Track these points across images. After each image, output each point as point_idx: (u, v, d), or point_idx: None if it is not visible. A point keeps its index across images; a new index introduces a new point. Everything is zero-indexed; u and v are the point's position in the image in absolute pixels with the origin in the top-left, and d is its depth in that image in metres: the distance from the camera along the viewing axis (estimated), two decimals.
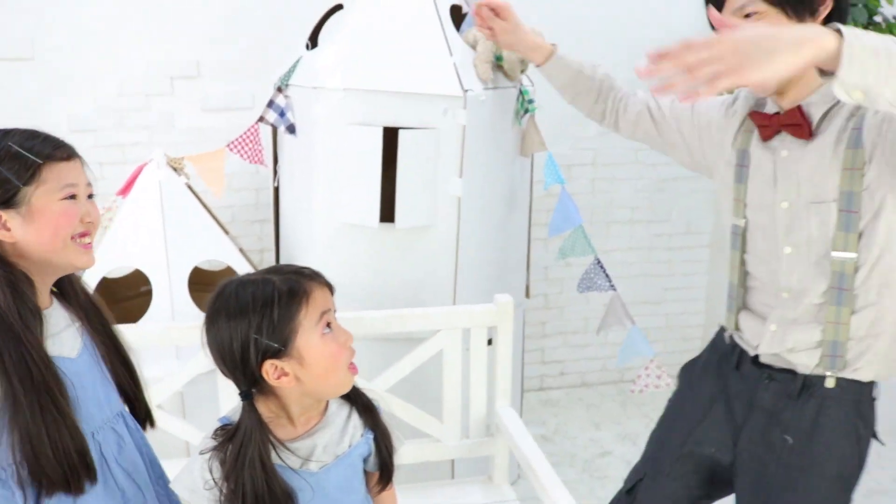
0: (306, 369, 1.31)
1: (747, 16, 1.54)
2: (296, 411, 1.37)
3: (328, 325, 1.35)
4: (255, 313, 1.30)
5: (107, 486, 1.43)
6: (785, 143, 1.59)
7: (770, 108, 1.64)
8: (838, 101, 1.52)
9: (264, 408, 1.36)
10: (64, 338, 1.40)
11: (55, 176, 1.35)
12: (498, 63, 2.40)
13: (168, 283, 2.37)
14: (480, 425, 2.19)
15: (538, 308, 3.86)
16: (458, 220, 2.42)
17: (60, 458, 1.31)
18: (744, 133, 1.70)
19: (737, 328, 1.74)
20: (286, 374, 1.32)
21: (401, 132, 2.32)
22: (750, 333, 1.71)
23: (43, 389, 1.30)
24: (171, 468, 1.53)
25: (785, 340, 1.62)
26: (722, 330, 1.83)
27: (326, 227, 2.48)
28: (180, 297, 2.38)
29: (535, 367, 3.94)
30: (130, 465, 1.49)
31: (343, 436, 1.41)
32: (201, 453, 1.33)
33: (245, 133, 2.56)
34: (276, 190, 2.76)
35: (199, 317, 1.38)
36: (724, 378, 1.76)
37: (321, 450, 1.37)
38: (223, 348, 1.32)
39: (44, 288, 1.40)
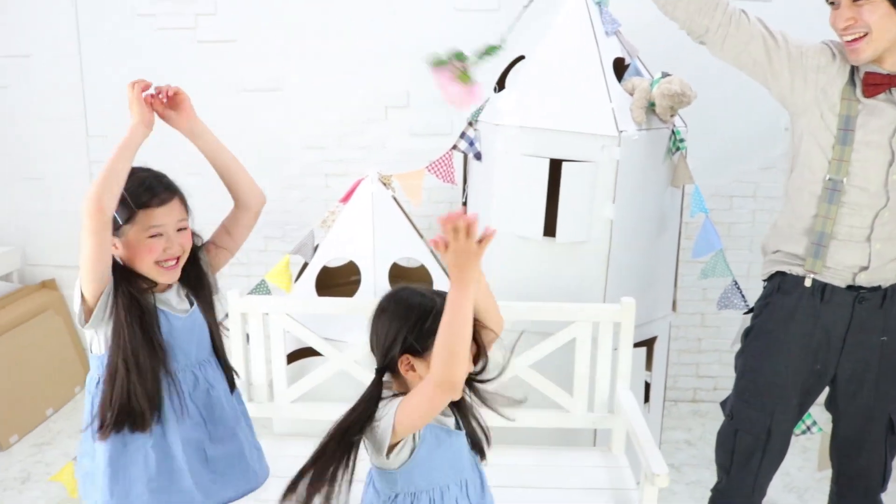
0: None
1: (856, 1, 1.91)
2: None
3: None
4: (414, 317, 1.59)
5: (181, 414, 1.87)
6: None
7: (880, 70, 1.97)
8: None
9: (395, 385, 1.66)
10: (172, 305, 1.89)
11: (145, 219, 1.78)
12: (651, 108, 2.79)
13: (373, 273, 2.87)
14: (604, 403, 2.58)
15: (695, 325, 4.12)
16: (610, 239, 2.79)
17: (133, 400, 1.79)
18: (845, 101, 2.01)
19: (824, 267, 2.07)
20: (414, 371, 1.60)
21: (564, 164, 2.73)
22: (847, 261, 2.06)
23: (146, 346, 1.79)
24: None
25: (884, 254, 2.03)
26: (787, 281, 2.15)
27: (500, 237, 2.87)
28: (381, 285, 2.87)
29: (690, 379, 4.19)
30: (201, 401, 1.93)
31: None
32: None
33: (440, 158, 3.06)
34: (464, 204, 3.26)
35: None
36: (812, 314, 2.11)
37: None
38: (380, 333, 1.63)
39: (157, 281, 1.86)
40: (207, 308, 1.98)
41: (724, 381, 4.15)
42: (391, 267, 2.94)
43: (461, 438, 1.71)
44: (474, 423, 1.73)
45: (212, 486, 1.95)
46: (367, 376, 2.56)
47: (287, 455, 2.61)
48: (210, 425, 1.95)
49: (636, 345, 2.96)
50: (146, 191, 1.79)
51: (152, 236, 1.80)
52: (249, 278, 3.98)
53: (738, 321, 3.82)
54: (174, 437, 1.87)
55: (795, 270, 2.14)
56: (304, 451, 2.62)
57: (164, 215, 1.81)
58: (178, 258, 1.85)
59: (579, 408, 2.58)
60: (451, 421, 1.71)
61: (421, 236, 3.11)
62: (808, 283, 2.11)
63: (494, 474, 1.92)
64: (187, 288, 1.95)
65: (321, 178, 3.96)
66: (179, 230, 1.84)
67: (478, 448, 1.74)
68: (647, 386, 3.21)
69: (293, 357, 2.97)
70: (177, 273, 1.87)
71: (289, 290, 2.98)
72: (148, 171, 1.85)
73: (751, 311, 2.32)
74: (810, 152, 2.07)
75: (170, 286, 1.91)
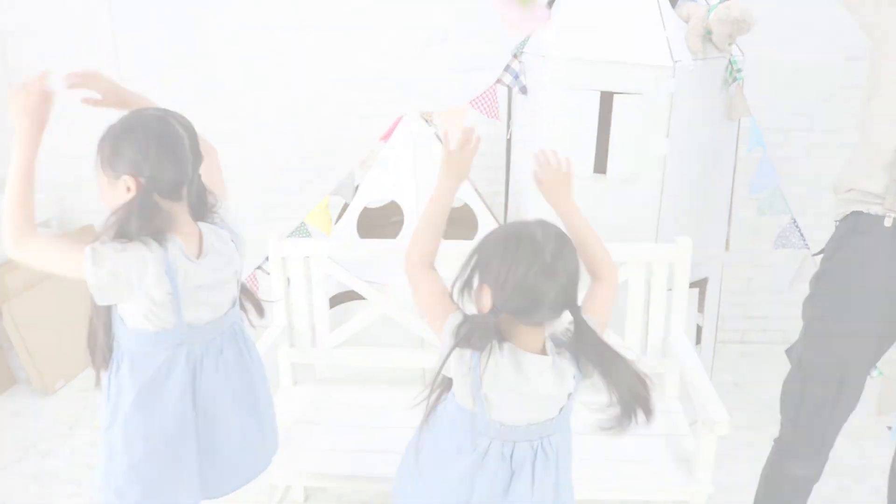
0: None
1: None
2: None
3: None
4: None
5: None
6: None
7: None
8: None
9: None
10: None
11: None
12: (708, 36, 2.63)
13: (416, 214, 2.78)
14: (657, 346, 2.50)
15: (745, 265, 3.98)
16: (663, 175, 2.68)
17: None
18: None
19: None
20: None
21: (616, 96, 2.60)
22: None
23: None
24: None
25: None
26: (863, 222, 2.01)
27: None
28: None
29: (738, 320, 4.06)
30: None
31: None
32: None
33: (484, 92, 2.94)
34: (509, 141, 3.15)
35: None
36: (893, 256, 1.97)
37: None
38: None
39: None
40: None
41: (774, 322, 4.06)
42: None
43: None
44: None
45: None
46: (409, 320, 2.52)
47: (331, 401, 2.60)
48: None
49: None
50: None
51: None
52: (287, 221, 3.91)
53: (793, 260, 3.72)
54: None
55: (873, 210, 2.00)
56: (347, 396, 2.61)
57: None
58: None
59: (632, 351, 2.49)
60: None
61: None
62: (888, 222, 1.96)
63: None
64: None
65: (357, 117, 3.85)
66: None
67: None
68: (698, 328, 3.11)
69: (335, 301, 2.91)
70: None
71: (329, 232, 2.91)
72: None
73: (820, 252, 2.18)
74: (895, 79, 1.92)
75: None
